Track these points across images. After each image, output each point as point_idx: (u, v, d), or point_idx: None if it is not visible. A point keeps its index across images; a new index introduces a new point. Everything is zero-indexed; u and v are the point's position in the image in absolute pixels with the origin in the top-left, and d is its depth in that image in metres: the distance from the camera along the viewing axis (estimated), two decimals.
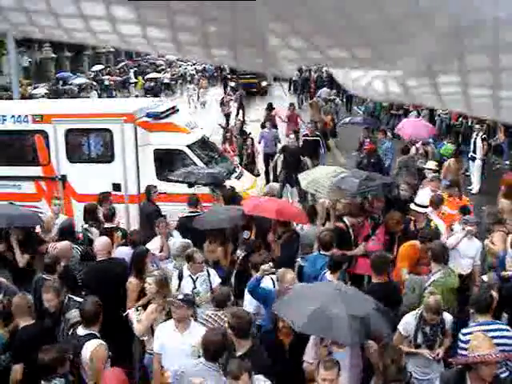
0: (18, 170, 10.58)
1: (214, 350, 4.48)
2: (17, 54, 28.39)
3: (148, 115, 10.35)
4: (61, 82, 35.33)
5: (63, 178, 10.40)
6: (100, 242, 6.79)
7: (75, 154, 10.59)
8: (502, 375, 4.73)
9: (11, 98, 21.70)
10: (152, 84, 35.71)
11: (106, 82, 35.85)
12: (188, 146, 10.38)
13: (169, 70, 43.76)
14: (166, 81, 38.29)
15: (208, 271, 6.44)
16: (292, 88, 31.38)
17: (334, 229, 7.58)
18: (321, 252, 6.73)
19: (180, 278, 6.34)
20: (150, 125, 10.27)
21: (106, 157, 10.34)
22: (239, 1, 0.59)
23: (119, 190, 10.14)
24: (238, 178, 10.79)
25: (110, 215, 8.07)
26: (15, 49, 24.66)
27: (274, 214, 7.44)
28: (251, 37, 0.65)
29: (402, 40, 0.62)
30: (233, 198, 8.80)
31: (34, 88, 31.54)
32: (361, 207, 8.17)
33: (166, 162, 10.30)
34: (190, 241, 7.11)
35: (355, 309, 4.66)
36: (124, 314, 5.78)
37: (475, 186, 14.04)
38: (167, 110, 11.02)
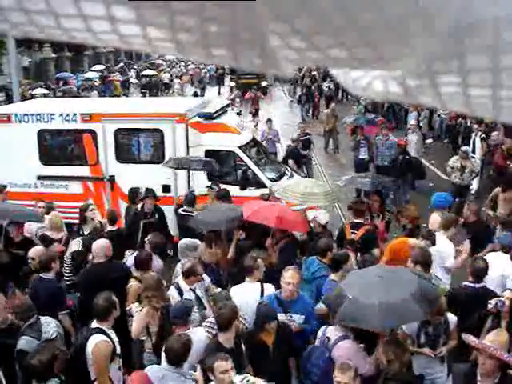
0: (64, 169, 10.40)
1: (174, 355, 4.57)
2: (17, 54, 28.35)
3: (200, 115, 10.15)
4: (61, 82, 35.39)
5: (111, 179, 10.17)
6: (97, 244, 6.59)
7: (124, 154, 10.39)
8: None
9: (11, 99, 21.65)
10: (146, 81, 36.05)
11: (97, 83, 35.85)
12: (240, 147, 10.11)
13: (168, 69, 43.78)
14: (166, 81, 38.31)
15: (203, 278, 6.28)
16: (296, 99, 31.01)
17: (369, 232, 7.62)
18: (318, 258, 6.62)
19: (181, 294, 6.01)
20: (202, 125, 10.06)
21: (156, 157, 10.12)
22: (239, 1, 0.59)
23: (169, 191, 9.92)
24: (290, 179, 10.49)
25: (113, 218, 8.04)
26: (15, 49, 24.63)
27: (273, 222, 7.21)
28: (251, 37, 0.65)
29: (402, 40, 0.62)
30: (224, 199, 8.61)
31: (34, 88, 31.46)
32: (366, 207, 8.24)
33: (217, 163, 9.97)
34: (197, 240, 6.99)
35: (390, 295, 4.65)
36: (127, 309, 5.79)
37: (474, 186, 14.04)
38: (219, 111, 10.77)
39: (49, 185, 10.39)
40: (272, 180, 10.02)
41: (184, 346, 4.60)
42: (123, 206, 9.73)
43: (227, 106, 11.90)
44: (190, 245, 6.74)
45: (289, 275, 5.57)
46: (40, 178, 10.46)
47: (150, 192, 8.83)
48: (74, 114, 10.29)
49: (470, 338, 4.44)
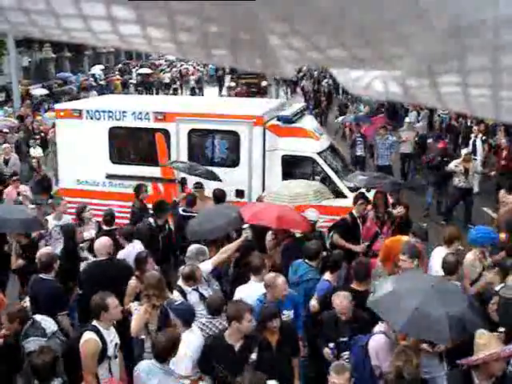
0: (135, 169, 10.05)
1: (160, 350, 4.58)
2: (17, 54, 28.36)
3: (279, 119, 9.71)
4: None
5: (183, 181, 9.58)
6: (100, 242, 6.69)
7: (198, 156, 9.86)
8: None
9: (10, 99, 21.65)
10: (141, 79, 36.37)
11: (102, 82, 35.99)
12: (318, 154, 9.51)
13: (168, 69, 43.76)
14: (166, 80, 38.29)
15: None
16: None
17: (343, 220, 7.90)
18: (306, 261, 6.49)
19: (184, 295, 5.90)
20: (280, 129, 9.57)
21: (231, 161, 9.62)
22: (239, 1, 0.59)
23: (242, 196, 9.44)
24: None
25: (109, 219, 8.03)
26: (15, 49, 24.66)
27: (274, 222, 7.10)
28: (251, 37, 0.65)
29: (402, 40, 0.62)
30: (222, 198, 8.46)
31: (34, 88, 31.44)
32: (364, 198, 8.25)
33: (294, 169, 9.60)
34: (205, 247, 6.82)
35: (452, 307, 4.59)
36: (126, 308, 5.79)
37: (475, 187, 14.03)
38: (297, 114, 10.27)
39: (118, 184, 10.09)
40: (351, 189, 9.15)
41: (171, 342, 4.59)
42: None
43: (305, 108, 11.38)
44: (199, 250, 6.68)
45: (281, 280, 5.60)
46: (109, 176, 10.17)
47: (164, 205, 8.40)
48: (147, 113, 10.00)
49: (468, 360, 4.43)
